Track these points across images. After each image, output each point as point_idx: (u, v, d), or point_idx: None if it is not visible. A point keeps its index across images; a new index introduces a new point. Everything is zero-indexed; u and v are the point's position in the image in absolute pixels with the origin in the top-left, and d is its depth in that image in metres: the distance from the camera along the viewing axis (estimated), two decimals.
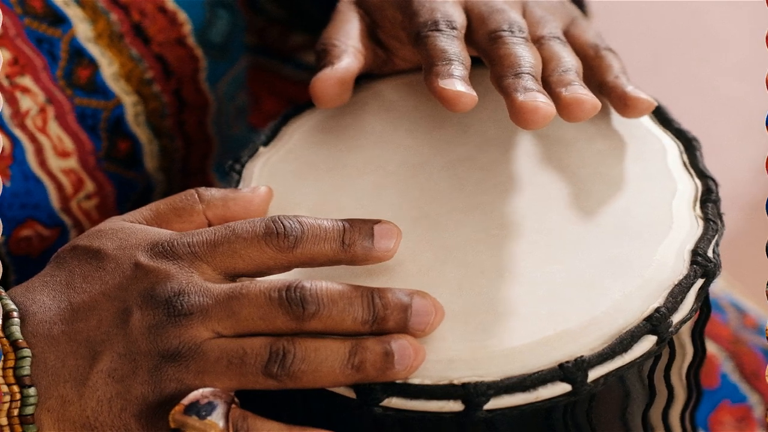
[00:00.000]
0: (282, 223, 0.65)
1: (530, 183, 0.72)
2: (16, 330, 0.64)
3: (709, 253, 0.68)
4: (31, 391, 0.64)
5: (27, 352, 0.64)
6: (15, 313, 0.65)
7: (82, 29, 0.81)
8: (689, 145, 0.74)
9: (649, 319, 0.65)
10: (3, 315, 0.65)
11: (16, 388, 0.64)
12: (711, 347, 0.92)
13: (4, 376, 0.64)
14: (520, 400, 0.63)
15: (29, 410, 0.64)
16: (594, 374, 0.63)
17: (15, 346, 0.64)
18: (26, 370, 0.64)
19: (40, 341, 0.65)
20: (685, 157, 0.73)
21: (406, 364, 0.63)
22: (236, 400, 0.63)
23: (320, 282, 0.64)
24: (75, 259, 0.67)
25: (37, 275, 0.68)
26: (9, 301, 0.65)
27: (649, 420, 0.70)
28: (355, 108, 0.78)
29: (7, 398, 0.64)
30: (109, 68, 0.82)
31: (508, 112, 0.68)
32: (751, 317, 0.97)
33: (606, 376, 0.64)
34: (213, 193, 0.70)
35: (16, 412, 0.64)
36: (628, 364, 0.64)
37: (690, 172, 0.72)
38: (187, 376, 0.63)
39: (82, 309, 0.65)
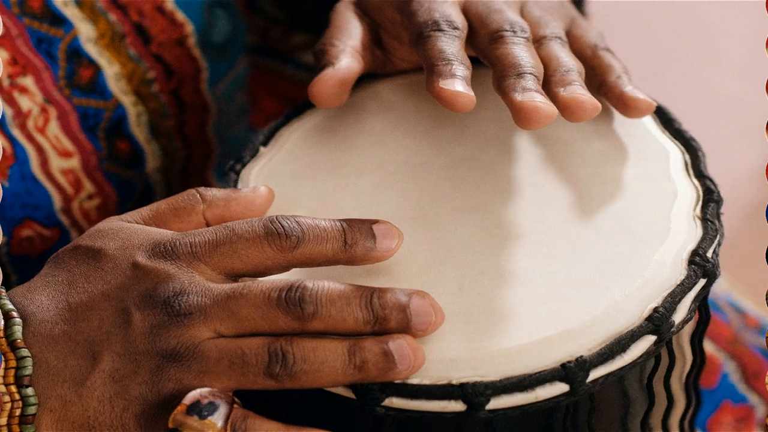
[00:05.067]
0: (280, 223, 0.65)
1: (530, 183, 0.72)
2: (16, 330, 0.64)
3: (709, 255, 0.68)
4: (30, 391, 0.64)
5: (26, 352, 0.64)
6: (15, 314, 0.65)
7: (84, 30, 0.81)
8: (690, 147, 0.74)
9: (648, 319, 0.65)
10: (3, 315, 0.65)
11: (14, 388, 0.64)
12: (711, 348, 0.92)
13: (4, 377, 0.64)
14: (520, 400, 0.63)
15: (31, 410, 0.64)
16: (594, 374, 0.63)
17: (14, 346, 0.64)
18: (27, 371, 0.64)
19: (41, 341, 0.65)
20: (687, 157, 0.73)
21: (406, 364, 0.63)
22: (237, 400, 0.63)
23: (321, 282, 0.64)
24: (75, 259, 0.67)
25: (38, 275, 0.68)
26: (8, 302, 0.65)
27: (649, 426, 0.70)
28: (355, 108, 0.78)
29: (7, 398, 0.64)
30: (110, 69, 0.82)
31: (509, 112, 0.68)
32: (751, 317, 0.97)
33: (606, 377, 0.64)
34: (214, 193, 0.70)
35: (17, 412, 0.64)
36: (628, 364, 0.64)
37: (690, 175, 0.72)
38: (188, 377, 0.63)
39: (83, 309, 0.65)
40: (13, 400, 0.64)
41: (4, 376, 0.64)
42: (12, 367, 0.64)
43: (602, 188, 0.71)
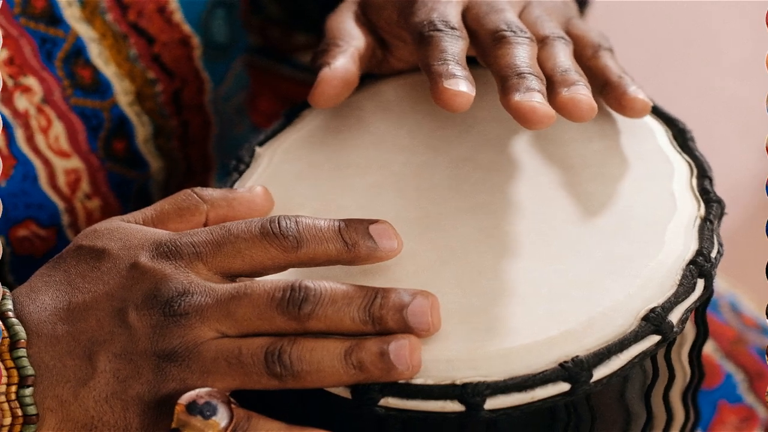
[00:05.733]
0: (279, 223, 0.65)
1: (531, 183, 0.72)
2: (19, 330, 0.64)
3: (713, 254, 0.68)
4: (28, 391, 0.64)
5: (23, 352, 0.64)
6: (11, 313, 0.65)
7: (87, 32, 0.81)
8: (689, 150, 0.74)
9: (649, 318, 0.65)
10: (2, 315, 0.65)
11: (13, 389, 0.64)
12: (712, 348, 0.92)
13: (8, 377, 0.64)
14: (522, 400, 0.63)
15: (31, 410, 0.64)
16: (596, 374, 0.63)
17: (15, 346, 0.64)
18: (29, 371, 0.64)
19: (42, 341, 0.64)
20: (686, 157, 0.73)
21: (404, 364, 0.62)
22: (233, 400, 0.63)
23: (322, 282, 0.63)
24: (77, 259, 0.67)
25: (38, 275, 0.67)
26: (9, 302, 0.65)
27: None
28: (355, 108, 0.78)
29: (3, 398, 0.63)
30: (112, 70, 0.82)
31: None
32: (751, 317, 0.97)
33: (609, 377, 0.64)
34: (212, 193, 0.70)
35: (19, 412, 0.64)
36: (628, 363, 0.64)
37: (692, 175, 0.72)
38: (190, 376, 0.63)
39: (85, 309, 0.65)
40: (9, 401, 0.64)
41: (9, 377, 0.64)
42: (13, 367, 0.64)
43: (603, 188, 0.71)
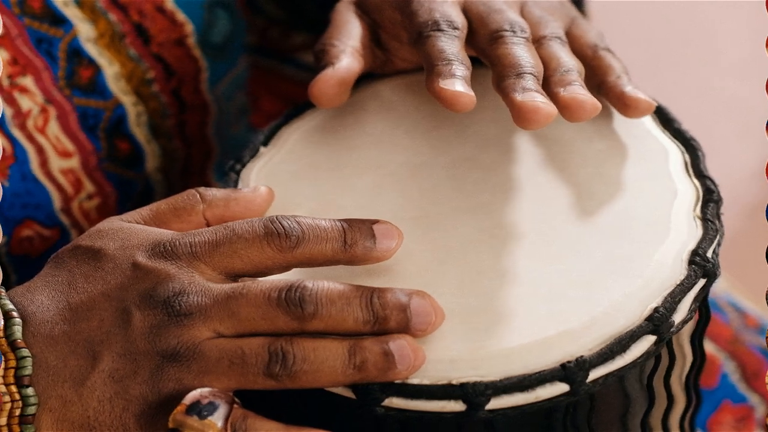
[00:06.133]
0: (280, 223, 0.65)
1: (530, 183, 0.72)
2: (16, 330, 0.64)
3: (709, 255, 0.68)
4: (30, 391, 0.64)
5: (26, 352, 0.64)
6: (15, 314, 0.65)
7: (84, 30, 0.81)
8: (690, 147, 0.74)
9: (648, 319, 0.65)
10: (3, 315, 0.65)
11: (14, 388, 0.64)
12: (711, 347, 0.92)
13: (4, 377, 0.64)
14: (520, 400, 0.63)
15: (31, 410, 0.64)
16: (594, 374, 0.63)
17: (14, 346, 0.64)
18: (27, 371, 0.64)
19: (41, 341, 0.64)
20: (687, 157, 0.73)
21: (406, 364, 0.63)
22: (237, 400, 0.63)
23: (321, 282, 0.63)
24: (75, 259, 0.67)
25: (38, 275, 0.68)
26: (8, 302, 0.65)
27: (649, 425, 0.70)
28: (355, 108, 0.78)
29: (7, 398, 0.64)
30: (110, 69, 0.82)
31: (509, 112, 0.68)
32: (751, 317, 0.97)
33: (606, 377, 0.64)
34: (215, 193, 0.70)
35: (17, 412, 0.64)
36: (628, 364, 0.64)
37: (690, 174, 0.72)
38: (188, 377, 0.63)
39: (83, 309, 0.65)
40: (13, 400, 0.64)
41: (4, 376, 0.64)
42: (12, 367, 0.64)
43: (603, 188, 0.71)
